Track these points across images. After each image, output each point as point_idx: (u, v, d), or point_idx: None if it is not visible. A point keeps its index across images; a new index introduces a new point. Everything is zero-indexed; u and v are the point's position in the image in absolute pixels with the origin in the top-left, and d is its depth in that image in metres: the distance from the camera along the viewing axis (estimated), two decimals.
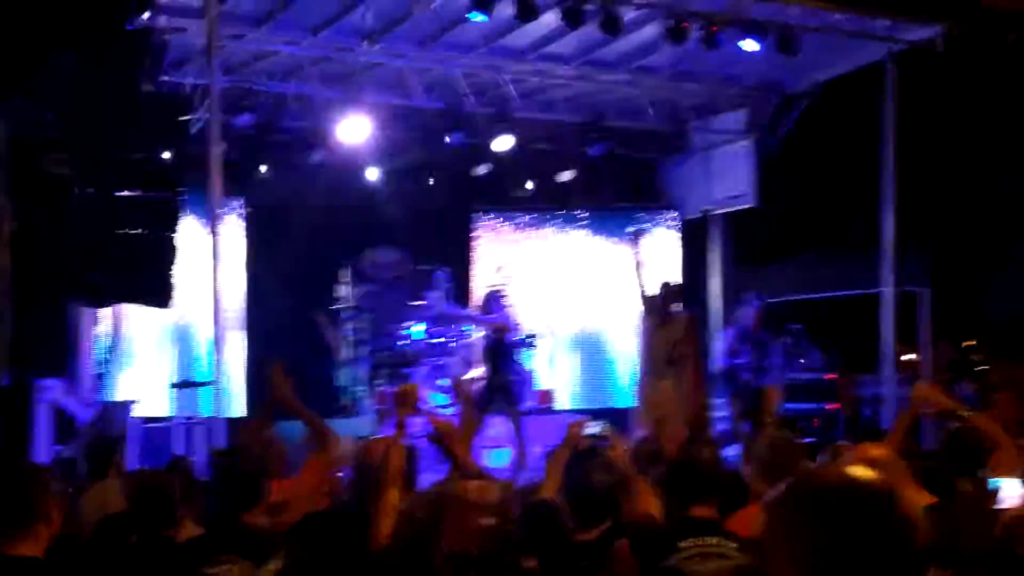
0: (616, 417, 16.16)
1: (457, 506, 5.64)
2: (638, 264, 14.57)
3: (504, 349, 16.16)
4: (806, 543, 2.60)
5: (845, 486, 2.64)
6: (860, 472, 2.67)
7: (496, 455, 15.03)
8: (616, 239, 20.70)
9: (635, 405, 16.18)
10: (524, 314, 17.83)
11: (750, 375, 16.65)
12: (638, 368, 15.37)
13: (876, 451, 7.59)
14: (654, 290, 15.10)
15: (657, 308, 14.75)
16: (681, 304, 15.53)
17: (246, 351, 18.77)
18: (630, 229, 19.07)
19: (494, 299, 16.29)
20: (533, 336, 18.17)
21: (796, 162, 19.05)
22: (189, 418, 15.84)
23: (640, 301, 14.97)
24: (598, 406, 19.43)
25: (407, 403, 6.87)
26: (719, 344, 17.31)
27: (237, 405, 17.56)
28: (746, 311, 17.25)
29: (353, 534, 5.72)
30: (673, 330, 14.93)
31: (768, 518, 2.67)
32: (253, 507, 5.82)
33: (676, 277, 19.27)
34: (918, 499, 5.79)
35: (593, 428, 7.29)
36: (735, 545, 5.63)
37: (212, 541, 5.74)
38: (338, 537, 5.43)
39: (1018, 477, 6.36)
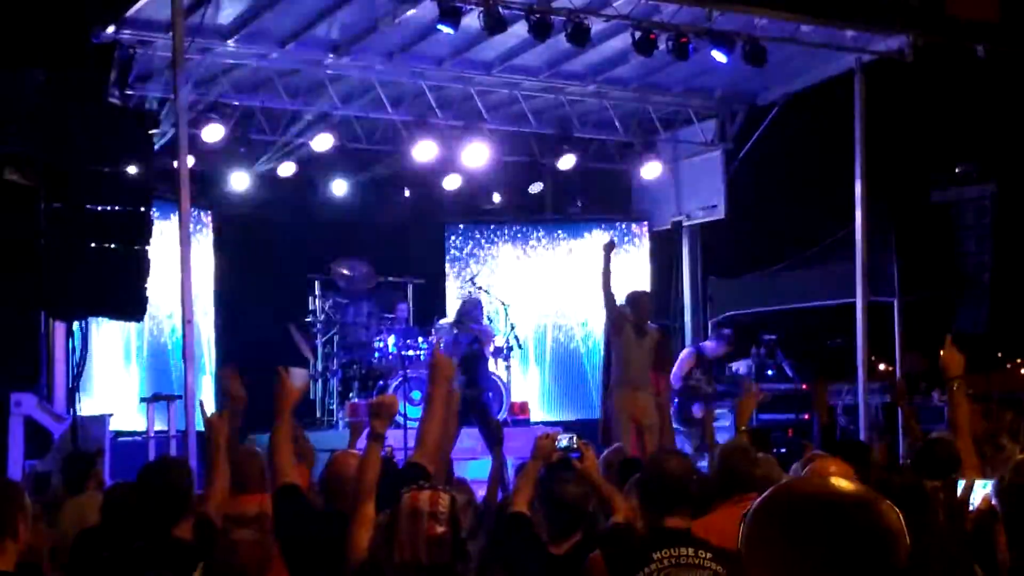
0: (589, 428, 16.14)
1: (409, 515, 5.63)
2: (607, 274, 14.50)
3: (481, 360, 16.10)
4: (785, 555, 2.57)
5: (825, 497, 2.61)
6: (840, 483, 2.64)
7: (472, 466, 14.98)
8: (586, 250, 20.73)
9: (603, 416, 16.12)
10: (497, 325, 17.80)
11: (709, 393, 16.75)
12: (604, 378, 15.28)
13: (835, 466, 7.65)
14: (622, 301, 15.01)
15: (632, 320, 14.69)
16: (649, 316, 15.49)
17: (216, 364, 18.71)
18: (603, 238, 19.17)
19: (472, 309, 16.22)
20: (508, 347, 18.14)
21: (766, 173, 19.08)
22: (162, 432, 15.75)
23: (609, 311, 14.87)
24: (572, 417, 19.45)
25: (383, 414, 6.82)
26: (679, 363, 17.23)
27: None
28: (716, 344, 17.32)
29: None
30: (649, 341, 14.89)
31: (746, 529, 2.64)
32: (180, 520, 5.76)
33: (646, 288, 19.32)
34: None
35: (563, 440, 7.25)
36: (710, 555, 5.61)
37: (141, 556, 5.69)
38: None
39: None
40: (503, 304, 18.44)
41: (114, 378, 17.34)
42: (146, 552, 5.70)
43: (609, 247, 14.59)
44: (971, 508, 5.35)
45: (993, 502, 5.22)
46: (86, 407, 15.04)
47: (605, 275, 14.44)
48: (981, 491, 5.37)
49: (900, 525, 2.57)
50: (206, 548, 6.05)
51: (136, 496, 6.76)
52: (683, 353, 17.46)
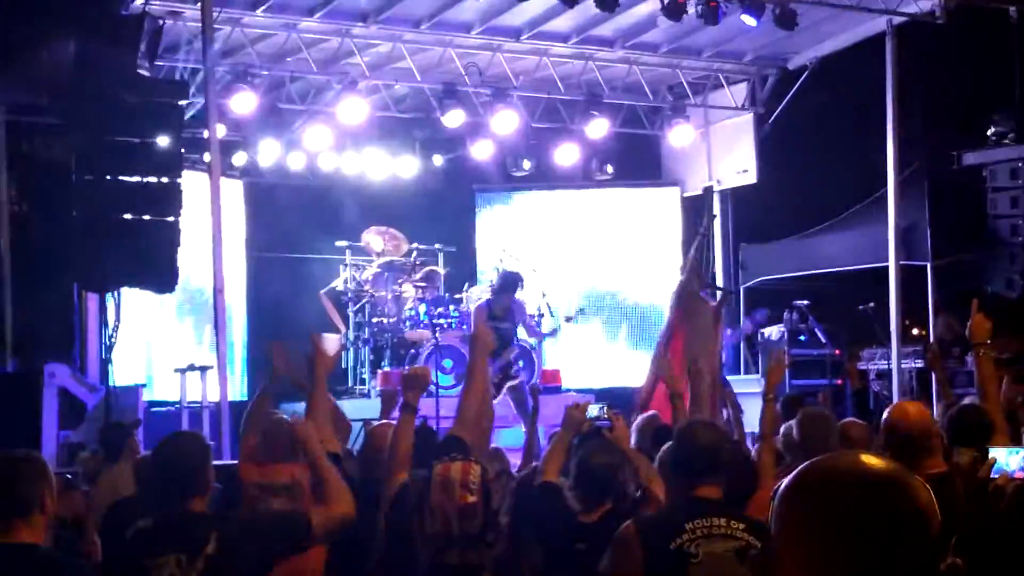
0: (619, 397, 16.12)
1: (441, 485, 5.64)
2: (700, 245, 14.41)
3: (511, 331, 16.06)
4: (816, 533, 2.56)
5: (856, 475, 2.59)
6: (873, 460, 2.63)
7: (506, 434, 14.99)
8: (617, 216, 20.71)
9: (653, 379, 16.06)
10: (531, 293, 17.77)
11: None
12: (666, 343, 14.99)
13: (856, 430, 7.65)
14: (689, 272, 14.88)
15: (695, 291, 14.58)
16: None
17: (248, 334, 18.77)
18: (636, 201, 19.24)
19: (512, 278, 16.17)
20: (540, 315, 18.10)
21: (798, 137, 18.98)
22: (196, 402, 15.81)
23: (688, 278, 14.65)
24: (604, 385, 19.41)
25: (416, 386, 6.83)
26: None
27: (241, 389, 17.57)
28: (747, 323, 17.28)
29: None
30: (707, 311, 14.77)
31: (778, 505, 2.63)
32: (194, 496, 5.77)
33: (678, 255, 19.29)
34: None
35: (594, 410, 7.25)
36: (743, 526, 5.59)
37: (155, 534, 5.70)
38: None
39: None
40: (534, 271, 18.40)
41: (148, 348, 17.41)
42: (155, 529, 5.71)
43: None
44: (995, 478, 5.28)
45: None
46: (120, 377, 15.14)
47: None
48: (1015, 459, 5.30)
49: (931, 502, 2.56)
50: (222, 517, 6.07)
51: (150, 472, 6.81)
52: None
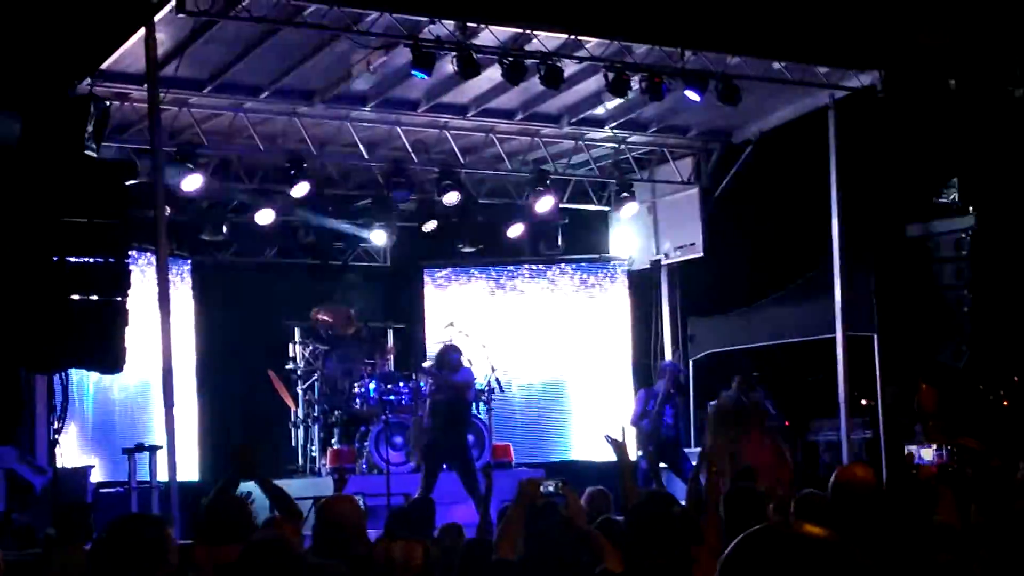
0: (568, 472, 16.12)
1: (384, 566, 5.62)
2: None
3: (463, 406, 15.99)
4: None
5: (795, 541, 2.66)
6: (809, 528, 2.70)
7: (458, 511, 14.93)
8: (564, 291, 20.80)
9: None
10: (478, 369, 17.77)
11: (673, 433, 16.84)
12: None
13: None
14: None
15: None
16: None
17: (199, 413, 18.66)
18: (581, 280, 19.31)
19: (451, 354, 16.11)
20: (490, 389, 18.10)
21: (743, 210, 19.11)
22: (144, 483, 15.68)
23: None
24: (553, 459, 19.42)
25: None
26: (634, 405, 17.33)
27: (190, 469, 17.44)
28: (665, 377, 17.37)
29: None
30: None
31: (721, 572, 2.70)
32: (156, 572, 5.71)
33: (625, 329, 19.38)
34: None
35: (550, 486, 7.20)
36: None
37: None
38: None
39: None
40: (482, 347, 18.43)
41: (95, 430, 17.27)
42: None
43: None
44: None
45: None
46: (67, 459, 15.01)
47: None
48: None
49: (866, 567, 2.65)
50: None
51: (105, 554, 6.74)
52: (637, 394, 17.68)
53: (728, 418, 16.54)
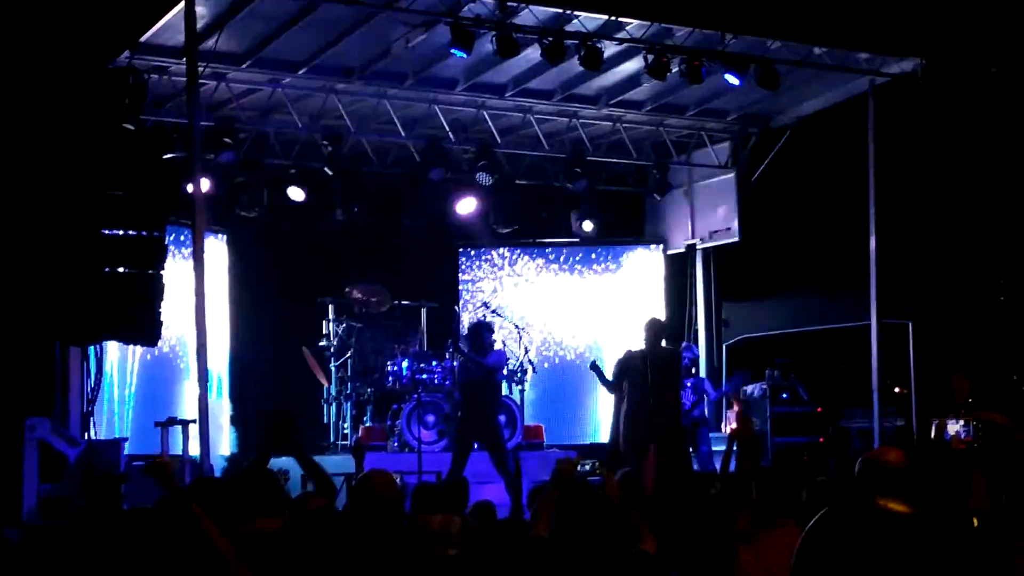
0: (602, 454, 16.09)
1: (422, 538, 5.62)
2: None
3: (492, 385, 15.94)
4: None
5: (877, 515, 2.69)
6: (892, 503, 2.72)
7: (489, 490, 14.92)
8: (600, 273, 20.78)
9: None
10: (511, 349, 17.76)
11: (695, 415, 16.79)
12: None
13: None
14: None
15: None
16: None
17: (231, 388, 18.71)
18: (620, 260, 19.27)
19: (483, 333, 16.04)
20: (523, 370, 18.09)
21: (780, 195, 19.04)
22: (176, 456, 15.72)
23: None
24: (584, 441, 19.40)
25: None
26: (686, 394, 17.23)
27: (224, 443, 17.50)
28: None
29: None
30: None
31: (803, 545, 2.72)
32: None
33: (659, 313, 19.30)
34: None
35: (586, 465, 7.19)
36: None
37: None
38: None
39: None
40: (516, 327, 18.42)
41: (129, 402, 17.33)
42: None
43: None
44: None
45: None
46: (102, 431, 15.07)
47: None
48: None
49: None
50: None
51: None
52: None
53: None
